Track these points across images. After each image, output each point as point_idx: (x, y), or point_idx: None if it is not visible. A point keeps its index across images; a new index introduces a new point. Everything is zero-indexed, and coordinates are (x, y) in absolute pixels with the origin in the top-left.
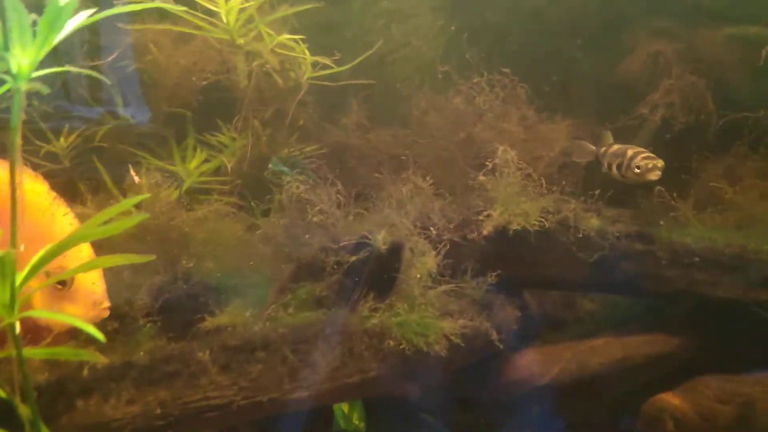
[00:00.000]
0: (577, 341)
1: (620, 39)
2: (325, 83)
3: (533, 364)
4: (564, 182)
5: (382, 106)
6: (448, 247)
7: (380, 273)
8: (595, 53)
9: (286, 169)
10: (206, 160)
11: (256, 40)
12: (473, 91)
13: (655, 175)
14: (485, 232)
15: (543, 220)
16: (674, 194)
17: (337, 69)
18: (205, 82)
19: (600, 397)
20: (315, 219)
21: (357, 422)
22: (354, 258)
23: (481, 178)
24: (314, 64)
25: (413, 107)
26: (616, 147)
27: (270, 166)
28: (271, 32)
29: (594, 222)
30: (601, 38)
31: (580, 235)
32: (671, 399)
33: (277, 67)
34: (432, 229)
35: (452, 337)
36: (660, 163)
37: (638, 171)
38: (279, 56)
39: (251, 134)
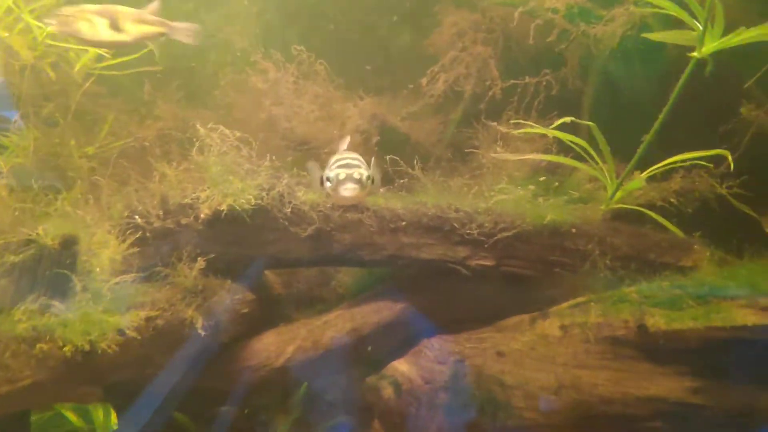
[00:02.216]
0: (314, 318)
1: (431, 12)
2: (114, 73)
3: (270, 347)
4: None
5: (196, 93)
6: (157, 235)
7: (50, 271)
8: (409, 28)
9: None
10: None
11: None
12: (275, 72)
13: (349, 192)
14: (202, 216)
15: (252, 197)
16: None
17: (126, 59)
18: None
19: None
20: None
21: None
22: (18, 257)
23: (198, 158)
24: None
25: (220, 91)
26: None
27: None
28: (40, 24)
29: (307, 196)
30: (415, 13)
31: (289, 211)
32: (399, 365)
33: (30, 61)
34: (138, 218)
35: (128, 332)
36: (359, 173)
37: (329, 185)
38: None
39: (33, 131)
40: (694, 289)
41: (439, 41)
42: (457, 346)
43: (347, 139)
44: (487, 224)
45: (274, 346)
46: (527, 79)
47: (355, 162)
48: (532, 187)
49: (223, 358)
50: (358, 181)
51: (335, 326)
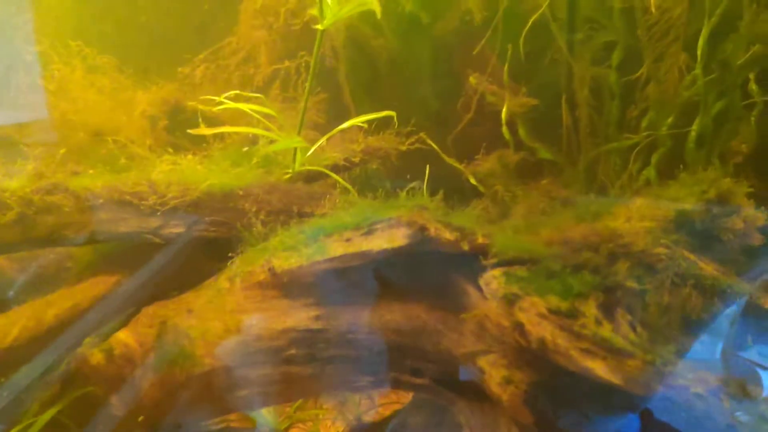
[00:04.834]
0: (39, 299)
1: None
2: None
3: None
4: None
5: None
6: None
7: None
8: (223, 15)
9: None
10: None
11: None
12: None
13: None
14: None
15: None
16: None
17: None
18: None
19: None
20: None
21: None
22: None
23: None
24: None
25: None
26: None
27: None
28: None
29: (7, 182)
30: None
31: None
32: (120, 334)
33: None
34: None
35: None
36: None
37: None
38: None
39: None
40: (309, 232)
41: (243, 27)
42: (165, 310)
43: None
44: (169, 194)
45: (0, 329)
46: (286, 63)
47: None
48: (191, 156)
49: None
50: None
51: (56, 304)
